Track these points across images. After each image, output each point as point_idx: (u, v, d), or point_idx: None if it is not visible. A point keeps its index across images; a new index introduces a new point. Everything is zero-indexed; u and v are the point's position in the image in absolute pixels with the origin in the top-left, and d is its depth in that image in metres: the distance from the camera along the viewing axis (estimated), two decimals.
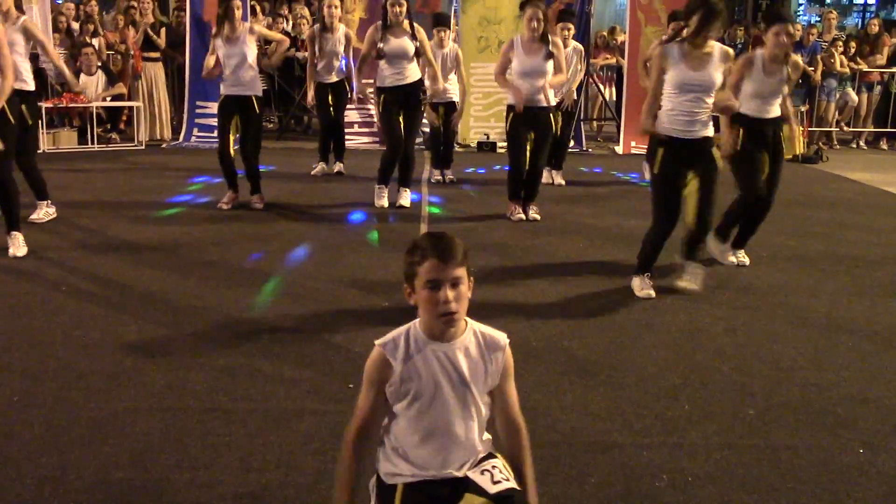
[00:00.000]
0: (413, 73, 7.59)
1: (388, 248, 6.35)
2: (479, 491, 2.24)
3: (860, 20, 18.31)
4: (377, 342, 2.33)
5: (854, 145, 13.46)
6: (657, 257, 5.38)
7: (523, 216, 7.30)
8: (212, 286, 5.37)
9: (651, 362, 4.26)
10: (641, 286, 5.32)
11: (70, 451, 3.24)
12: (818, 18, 15.20)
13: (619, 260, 5.98)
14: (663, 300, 5.26)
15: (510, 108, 7.08)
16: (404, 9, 7.49)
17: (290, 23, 13.37)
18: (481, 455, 2.35)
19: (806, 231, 7.02)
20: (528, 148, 7.14)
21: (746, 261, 5.99)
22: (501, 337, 2.36)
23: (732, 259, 5.98)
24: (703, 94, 5.05)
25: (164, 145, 11.95)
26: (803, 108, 11.86)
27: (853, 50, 12.90)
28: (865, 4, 19.67)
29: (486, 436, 2.40)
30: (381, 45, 7.42)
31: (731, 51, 5.22)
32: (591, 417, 3.63)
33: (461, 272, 2.24)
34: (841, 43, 12.57)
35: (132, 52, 12.05)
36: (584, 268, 5.90)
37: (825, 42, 12.81)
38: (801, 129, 11.81)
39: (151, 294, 5.19)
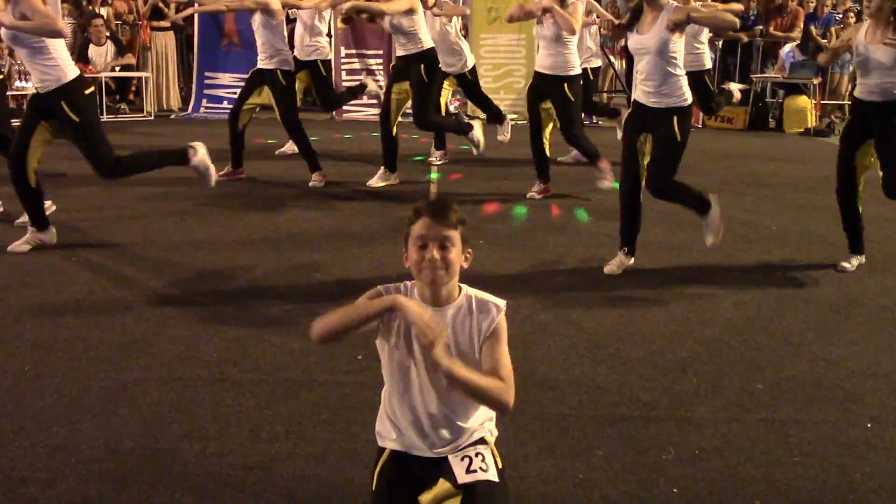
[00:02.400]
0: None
1: (395, 221, 6.35)
2: (452, 477, 2.23)
3: None
4: (380, 286, 2.35)
5: None
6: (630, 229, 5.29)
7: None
8: (222, 257, 5.38)
9: (659, 336, 4.25)
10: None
11: (81, 420, 3.27)
12: None
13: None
14: (672, 274, 5.25)
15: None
16: None
17: None
18: (474, 438, 2.33)
19: (816, 205, 6.98)
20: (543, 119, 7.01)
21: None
22: (497, 303, 2.32)
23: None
24: None
25: (172, 116, 11.94)
26: (816, 81, 11.75)
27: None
28: None
29: (488, 414, 2.38)
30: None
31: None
32: (599, 391, 3.63)
33: (452, 234, 2.24)
34: (854, 14, 12.43)
35: (140, 23, 12.00)
36: (594, 241, 5.89)
37: (839, 14, 12.67)
38: (814, 101, 11.74)
39: (161, 264, 5.21)
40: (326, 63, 8.80)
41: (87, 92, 5.23)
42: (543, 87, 6.87)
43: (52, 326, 4.21)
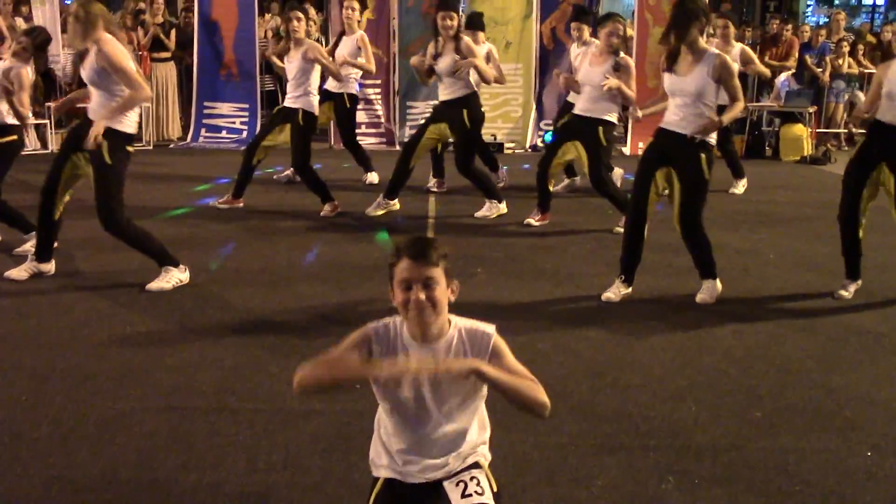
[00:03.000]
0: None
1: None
2: (447, 503, 2.25)
3: (869, 21, 18.24)
4: (370, 324, 2.35)
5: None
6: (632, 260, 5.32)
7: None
8: (220, 286, 5.38)
9: (658, 364, 4.25)
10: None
11: (77, 450, 3.25)
12: (827, 19, 15.14)
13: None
14: (669, 302, 5.25)
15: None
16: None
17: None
18: (468, 462, 2.34)
19: (813, 233, 6.99)
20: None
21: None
22: (486, 329, 2.33)
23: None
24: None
25: (171, 146, 11.98)
26: (811, 110, 11.82)
27: (861, 51, 12.86)
28: (874, 6, 19.61)
29: (482, 437, 2.39)
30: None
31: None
32: (598, 419, 3.62)
33: (435, 273, 2.25)
34: (847, 44, 12.53)
35: (140, 53, 12.08)
36: (592, 270, 5.89)
37: (833, 43, 12.77)
38: (810, 130, 11.80)
39: (160, 294, 5.20)
40: (353, 97, 8.79)
41: (129, 149, 5.22)
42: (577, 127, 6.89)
43: (50, 356, 4.20)
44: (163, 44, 12.19)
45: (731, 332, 4.74)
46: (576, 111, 6.92)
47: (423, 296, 2.23)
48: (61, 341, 4.40)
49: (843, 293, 5.38)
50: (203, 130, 12.13)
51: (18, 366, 4.07)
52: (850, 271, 5.45)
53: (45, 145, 11.00)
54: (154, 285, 5.26)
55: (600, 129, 6.78)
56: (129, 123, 5.16)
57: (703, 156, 5.01)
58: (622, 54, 6.69)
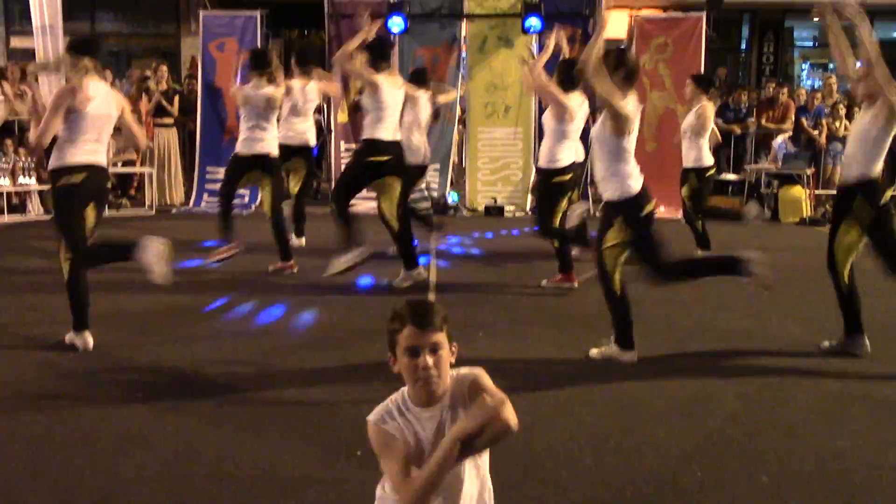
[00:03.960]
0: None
1: None
2: None
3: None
4: (370, 420, 2.35)
5: None
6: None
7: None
8: (220, 351, 5.36)
9: (662, 428, 4.21)
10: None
11: None
12: (822, 83, 15.36)
13: None
14: (673, 364, 5.22)
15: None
16: None
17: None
18: None
19: (816, 294, 6.98)
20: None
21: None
22: (472, 370, 2.38)
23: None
24: None
25: (173, 210, 12.05)
26: (809, 172, 11.92)
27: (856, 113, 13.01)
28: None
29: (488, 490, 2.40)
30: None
31: None
32: (603, 485, 3.58)
33: (440, 338, 2.28)
34: (843, 106, 12.68)
35: (144, 120, 12.23)
36: (594, 332, 5.86)
37: (829, 106, 12.93)
38: (808, 191, 11.88)
39: (159, 357, 5.18)
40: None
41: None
42: None
43: (48, 422, 4.16)
44: (166, 109, 12.36)
45: (735, 395, 4.70)
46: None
47: (430, 361, 2.25)
48: (59, 407, 4.37)
49: (827, 344, 5.50)
50: (205, 195, 12.22)
51: (16, 433, 4.03)
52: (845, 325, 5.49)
53: (48, 211, 11.06)
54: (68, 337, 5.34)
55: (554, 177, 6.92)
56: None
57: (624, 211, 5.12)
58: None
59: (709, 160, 8.43)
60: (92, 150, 5.32)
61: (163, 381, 4.81)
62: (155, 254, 5.17)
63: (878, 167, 5.24)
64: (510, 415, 2.22)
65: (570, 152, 6.97)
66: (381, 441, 2.32)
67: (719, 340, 5.73)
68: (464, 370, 2.39)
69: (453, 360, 2.34)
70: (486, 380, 2.37)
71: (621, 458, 3.85)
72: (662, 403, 4.56)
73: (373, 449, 2.35)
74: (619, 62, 5.13)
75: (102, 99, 5.37)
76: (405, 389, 2.36)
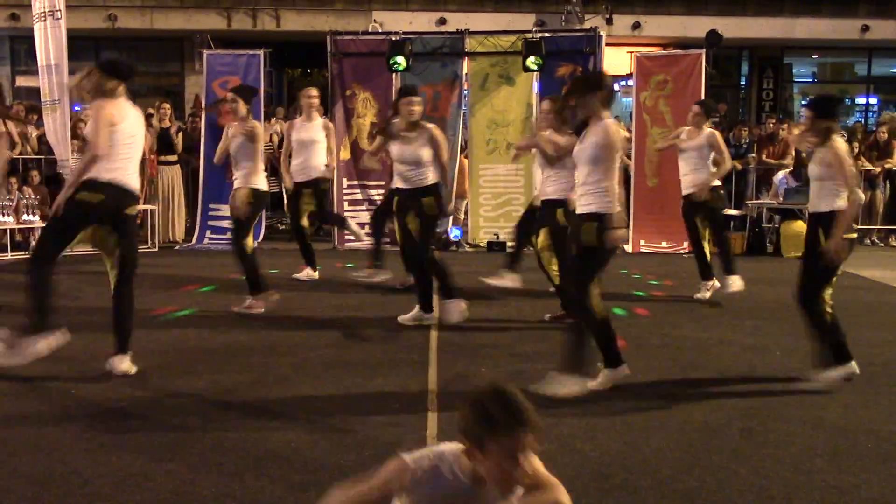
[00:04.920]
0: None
1: (397, 349, 6.34)
2: None
3: (863, 119, 18.58)
4: (405, 457, 2.28)
5: (868, 242, 13.42)
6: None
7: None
8: (220, 387, 5.34)
9: (666, 465, 4.18)
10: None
11: None
12: None
13: (630, 359, 5.92)
14: (676, 400, 5.20)
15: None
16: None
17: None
18: None
19: None
20: None
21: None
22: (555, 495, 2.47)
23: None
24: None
25: (177, 247, 12.08)
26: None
27: (857, 149, 13.05)
28: (867, 105, 20.04)
29: None
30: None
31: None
32: None
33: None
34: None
35: (147, 157, 12.31)
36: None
37: None
38: None
39: (159, 394, 5.17)
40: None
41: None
42: None
43: (48, 461, 4.14)
44: (170, 147, 12.44)
45: (739, 430, 4.67)
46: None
47: (527, 464, 2.26)
48: (60, 446, 4.34)
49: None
50: (208, 232, 12.26)
51: (16, 472, 4.01)
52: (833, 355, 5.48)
53: None
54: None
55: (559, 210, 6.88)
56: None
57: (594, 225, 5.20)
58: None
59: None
60: (121, 167, 5.35)
61: (163, 418, 4.78)
62: (32, 349, 5.33)
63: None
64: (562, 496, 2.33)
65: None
66: (392, 473, 2.25)
67: (722, 374, 5.70)
68: (549, 480, 2.41)
69: None
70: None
71: (626, 496, 3.81)
72: (665, 439, 4.52)
73: (381, 472, 2.28)
74: (598, 85, 5.25)
75: (134, 119, 5.49)
76: (456, 453, 2.30)
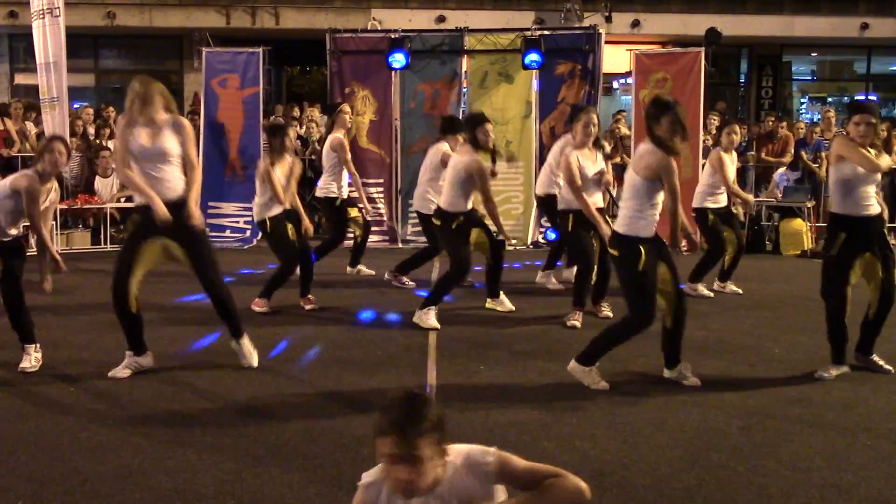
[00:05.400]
0: None
1: (398, 349, 6.34)
2: None
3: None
4: (362, 481, 2.32)
5: None
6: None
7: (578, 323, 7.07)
8: (221, 385, 5.34)
9: (665, 463, 4.18)
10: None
11: None
12: (820, 116, 15.44)
13: (629, 358, 5.93)
14: (675, 398, 5.20)
15: (569, 211, 7.06)
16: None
17: (303, 126, 13.66)
18: None
19: (818, 327, 6.96)
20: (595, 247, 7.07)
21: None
22: (486, 457, 2.28)
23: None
24: None
25: None
26: (810, 204, 11.95)
27: None
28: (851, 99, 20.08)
29: None
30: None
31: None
32: None
33: (423, 444, 2.16)
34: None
35: None
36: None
37: (828, 140, 12.99)
38: (809, 224, 11.90)
39: (159, 394, 5.17)
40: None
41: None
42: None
43: (48, 459, 4.14)
44: None
45: (738, 428, 4.68)
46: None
47: (405, 471, 2.16)
48: (59, 444, 4.35)
49: (825, 374, 5.58)
50: (208, 230, 12.23)
51: (15, 470, 4.01)
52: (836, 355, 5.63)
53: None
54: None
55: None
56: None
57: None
58: (603, 142, 6.88)
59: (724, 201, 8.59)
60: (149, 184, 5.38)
61: (162, 416, 4.79)
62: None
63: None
64: (581, 484, 2.21)
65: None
66: (357, 501, 2.29)
67: (721, 373, 5.70)
68: (476, 451, 2.27)
69: (446, 459, 2.26)
70: (515, 460, 2.26)
71: (624, 494, 3.82)
72: (664, 437, 4.53)
73: None
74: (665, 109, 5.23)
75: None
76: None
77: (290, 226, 7.45)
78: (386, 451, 2.17)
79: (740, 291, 8.54)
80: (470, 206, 7.15)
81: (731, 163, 8.52)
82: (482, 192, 7.03)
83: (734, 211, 8.78)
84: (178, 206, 5.31)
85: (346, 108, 9.09)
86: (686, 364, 5.48)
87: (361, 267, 9.39)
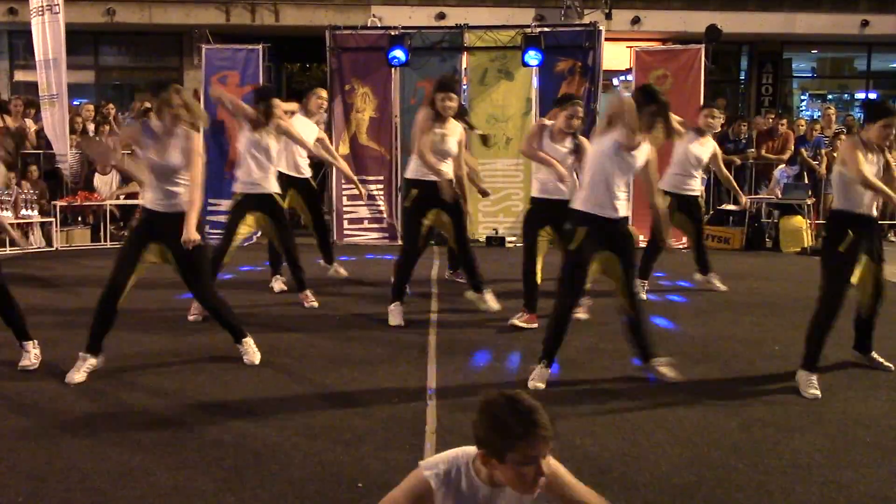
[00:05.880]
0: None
1: (397, 345, 6.34)
2: None
3: (863, 115, 18.58)
4: (425, 471, 2.32)
5: None
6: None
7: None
8: (220, 382, 5.34)
9: (665, 460, 4.18)
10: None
11: None
12: (821, 114, 15.43)
13: (629, 355, 5.93)
14: (674, 394, 5.20)
15: (533, 199, 7.03)
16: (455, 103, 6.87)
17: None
18: None
19: None
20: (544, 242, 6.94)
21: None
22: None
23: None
24: None
25: None
26: (809, 202, 11.94)
27: None
28: (867, 99, 20.03)
29: None
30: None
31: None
32: None
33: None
34: (843, 137, 12.73)
35: None
36: (595, 364, 5.86)
37: (828, 137, 12.99)
38: (809, 221, 11.90)
39: (159, 391, 5.17)
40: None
41: None
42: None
43: (48, 456, 4.14)
44: None
45: (738, 426, 4.68)
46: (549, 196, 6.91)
47: (544, 468, 2.28)
48: (59, 441, 4.34)
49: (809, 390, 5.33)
50: (207, 227, 12.20)
51: (15, 467, 4.01)
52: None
53: (49, 243, 11.08)
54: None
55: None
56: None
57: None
58: (580, 136, 6.84)
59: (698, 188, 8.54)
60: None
61: (162, 413, 4.78)
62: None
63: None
64: None
65: None
66: (413, 485, 2.28)
67: (721, 370, 5.70)
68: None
69: None
70: (566, 474, 2.50)
71: (624, 491, 3.82)
72: (664, 435, 4.53)
73: (401, 487, 2.31)
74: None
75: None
76: (470, 458, 2.35)
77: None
78: (532, 454, 2.26)
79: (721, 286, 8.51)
80: (431, 177, 6.84)
81: (702, 145, 8.27)
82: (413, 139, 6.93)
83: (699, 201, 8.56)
84: (180, 220, 5.33)
85: (321, 92, 8.62)
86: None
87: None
